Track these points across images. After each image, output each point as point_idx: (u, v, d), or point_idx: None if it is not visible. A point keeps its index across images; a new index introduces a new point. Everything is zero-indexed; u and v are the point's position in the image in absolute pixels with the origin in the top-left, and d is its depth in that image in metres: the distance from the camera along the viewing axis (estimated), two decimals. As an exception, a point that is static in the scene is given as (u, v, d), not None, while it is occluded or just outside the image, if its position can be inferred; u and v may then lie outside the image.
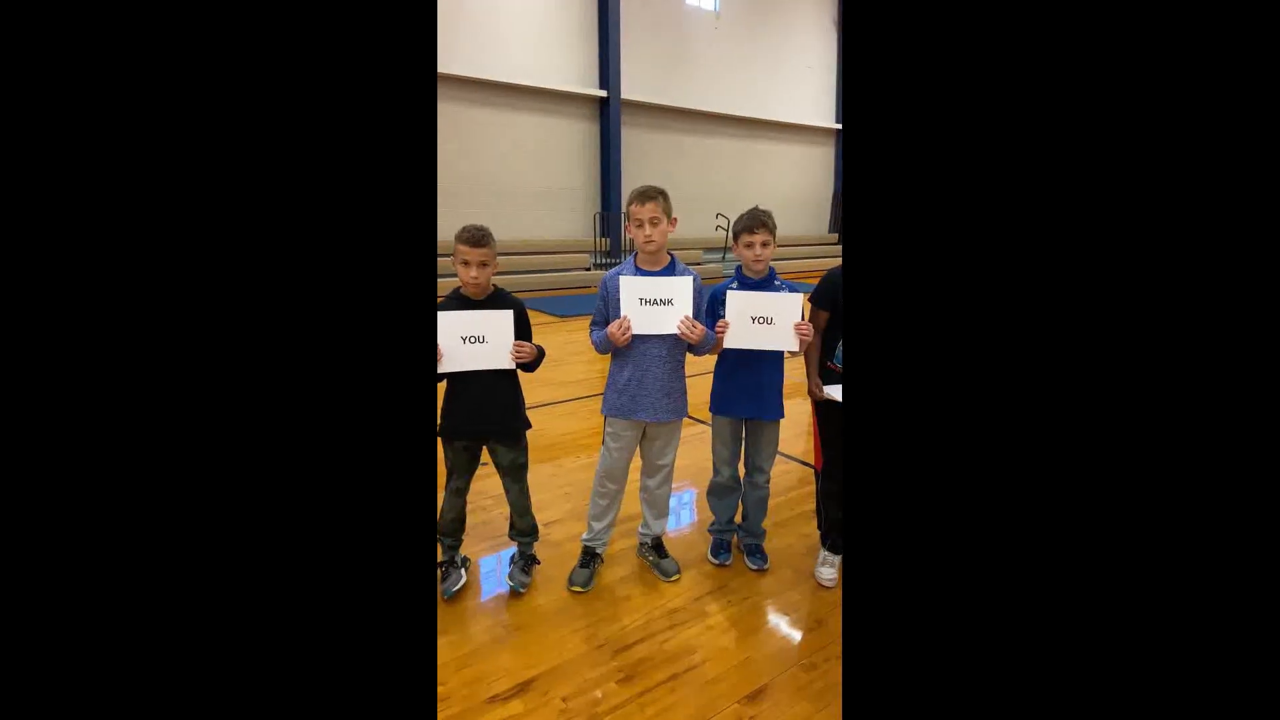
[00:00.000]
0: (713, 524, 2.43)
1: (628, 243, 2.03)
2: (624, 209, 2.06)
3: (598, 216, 11.41)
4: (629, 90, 11.40)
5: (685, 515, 2.78)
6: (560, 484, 3.03)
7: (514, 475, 2.17)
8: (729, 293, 2.07)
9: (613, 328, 2.00)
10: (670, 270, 2.08)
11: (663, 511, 2.32)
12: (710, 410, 2.30)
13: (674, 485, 2.42)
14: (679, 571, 2.28)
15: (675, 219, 2.07)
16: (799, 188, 14.91)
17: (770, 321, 2.03)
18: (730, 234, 2.21)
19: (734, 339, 2.05)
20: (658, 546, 2.33)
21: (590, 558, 2.26)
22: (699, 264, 11.50)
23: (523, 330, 2.02)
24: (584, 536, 2.28)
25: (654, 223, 1.99)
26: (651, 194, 2.00)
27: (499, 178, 10.42)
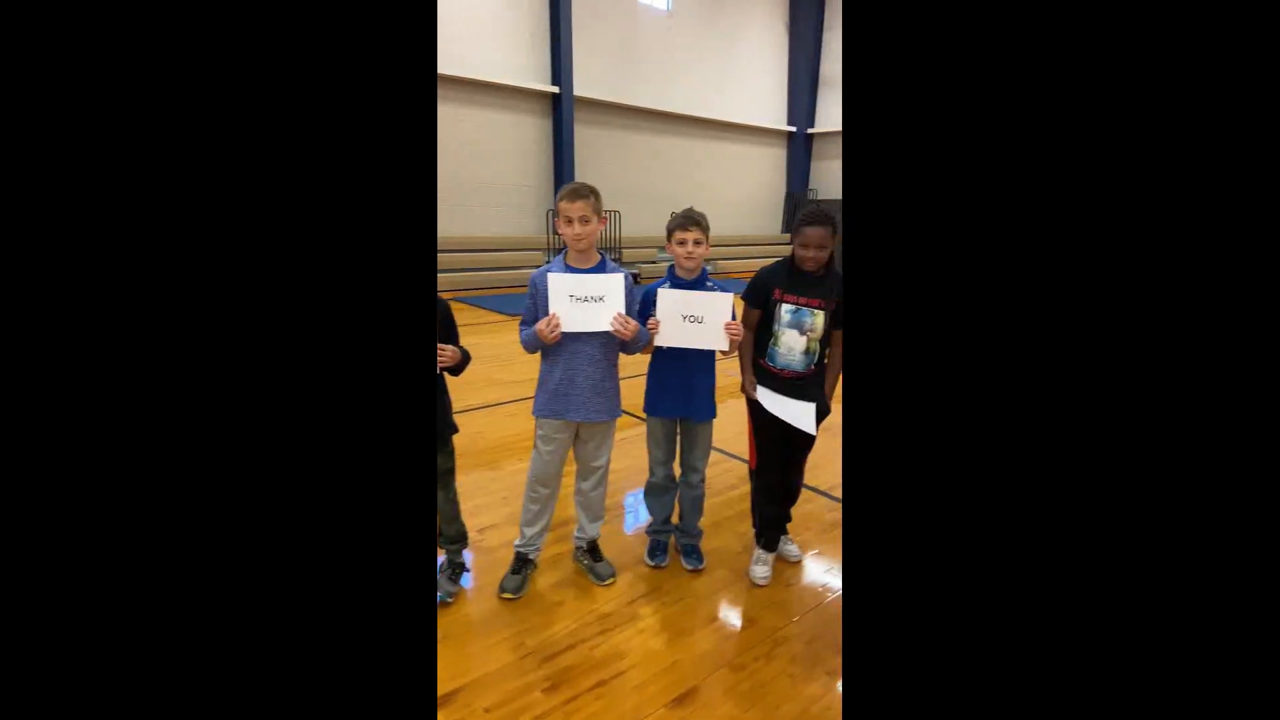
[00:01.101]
0: (649, 525, 2.41)
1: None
2: (555, 205, 2.02)
3: (550, 214, 11.30)
4: (581, 87, 11.30)
5: (630, 519, 2.75)
6: (499, 488, 2.96)
7: (440, 482, 2.10)
8: (659, 291, 2.05)
9: (540, 325, 1.96)
10: (601, 268, 2.04)
11: (598, 514, 2.28)
12: (644, 411, 2.28)
13: (616, 487, 2.38)
14: (614, 575, 2.25)
15: (604, 218, 2.04)
16: (752, 188, 15.05)
17: (700, 320, 2.02)
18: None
19: (665, 338, 2.04)
20: (593, 550, 2.29)
21: (522, 564, 2.21)
22: (653, 262, 11.49)
23: (446, 333, 1.95)
24: (516, 542, 2.23)
25: (584, 221, 1.96)
26: (583, 192, 1.96)
27: (450, 173, 10.20)
